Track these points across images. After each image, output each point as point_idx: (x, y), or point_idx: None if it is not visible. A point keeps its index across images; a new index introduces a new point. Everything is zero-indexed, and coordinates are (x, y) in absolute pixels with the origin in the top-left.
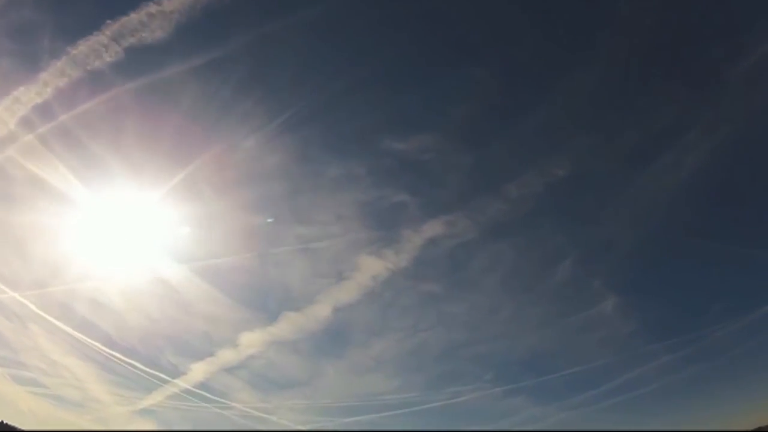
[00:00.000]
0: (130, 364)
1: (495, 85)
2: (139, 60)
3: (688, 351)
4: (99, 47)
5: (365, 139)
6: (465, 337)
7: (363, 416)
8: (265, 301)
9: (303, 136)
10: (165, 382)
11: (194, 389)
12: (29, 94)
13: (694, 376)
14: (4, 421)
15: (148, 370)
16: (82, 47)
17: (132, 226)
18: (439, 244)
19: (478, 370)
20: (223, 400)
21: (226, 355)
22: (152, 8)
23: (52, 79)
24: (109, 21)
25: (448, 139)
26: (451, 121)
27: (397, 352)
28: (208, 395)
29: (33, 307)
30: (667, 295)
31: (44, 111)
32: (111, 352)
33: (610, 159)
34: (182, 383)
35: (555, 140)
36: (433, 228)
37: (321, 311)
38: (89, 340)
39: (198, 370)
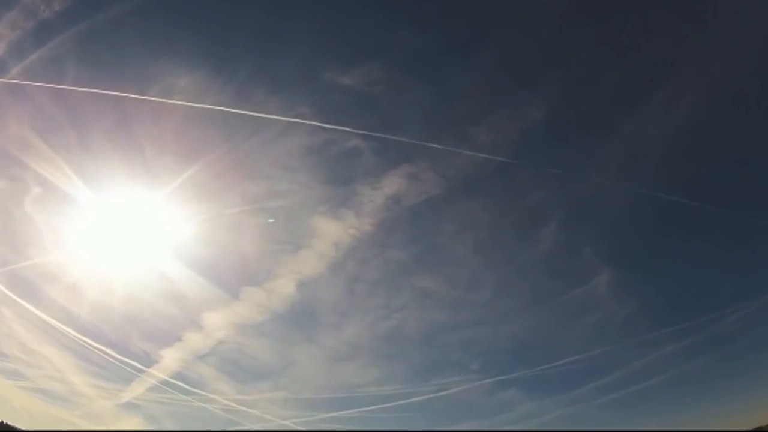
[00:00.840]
0: (102, 351)
1: (455, 4)
2: None
3: (691, 341)
4: None
5: (306, 73)
6: (444, 319)
7: (346, 411)
8: (222, 275)
9: (236, 74)
10: (140, 371)
11: (171, 380)
12: None
13: (697, 368)
14: (4, 421)
15: (121, 358)
16: None
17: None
18: (401, 202)
19: (463, 358)
20: (201, 392)
21: (195, 340)
22: None
23: None
24: None
25: (402, 69)
26: (403, 49)
27: (372, 337)
28: (186, 386)
29: (2, 288)
30: (669, 270)
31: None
32: (83, 338)
33: (593, 99)
34: (158, 373)
35: (528, 75)
36: (394, 182)
37: (283, 287)
38: (60, 324)
39: (169, 358)
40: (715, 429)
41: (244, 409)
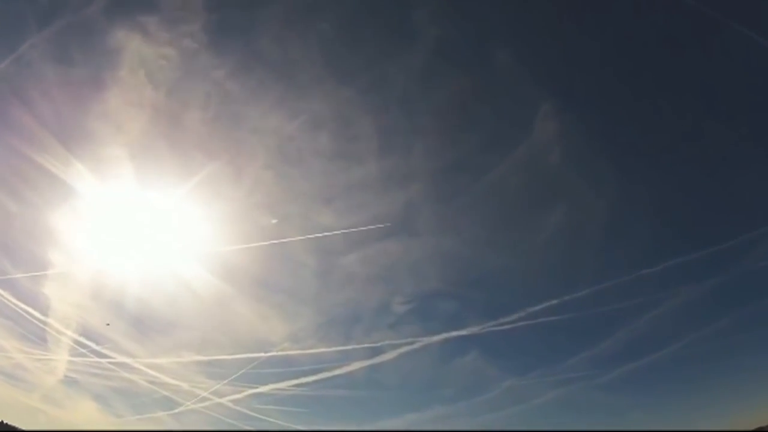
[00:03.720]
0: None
1: None
2: None
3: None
4: None
5: None
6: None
7: (270, 384)
8: None
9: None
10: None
11: (80, 338)
12: None
13: (696, 370)
14: (4, 421)
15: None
16: None
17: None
18: None
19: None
20: (114, 354)
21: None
22: None
23: None
24: None
25: None
26: None
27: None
28: (97, 347)
29: None
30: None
31: None
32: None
33: None
34: (60, 326)
35: None
36: None
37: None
38: None
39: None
40: (715, 429)
41: (167, 380)
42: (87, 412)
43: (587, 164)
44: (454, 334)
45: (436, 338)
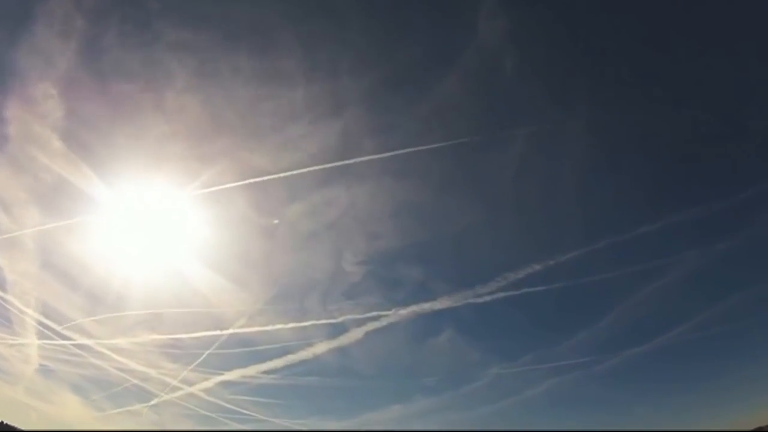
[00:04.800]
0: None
1: None
2: None
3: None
4: None
5: None
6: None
7: (236, 369)
8: None
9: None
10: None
11: (42, 318)
12: None
13: (695, 369)
14: (4, 421)
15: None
16: None
17: None
18: None
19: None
20: (75, 335)
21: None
22: None
23: None
24: None
25: None
26: None
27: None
28: (60, 328)
29: None
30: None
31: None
32: None
33: None
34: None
35: None
36: None
37: None
38: None
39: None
40: (715, 429)
41: (130, 363)
42: (72, 406)
43: (558, 75)
44: (425, 307)
45: (403, 312)
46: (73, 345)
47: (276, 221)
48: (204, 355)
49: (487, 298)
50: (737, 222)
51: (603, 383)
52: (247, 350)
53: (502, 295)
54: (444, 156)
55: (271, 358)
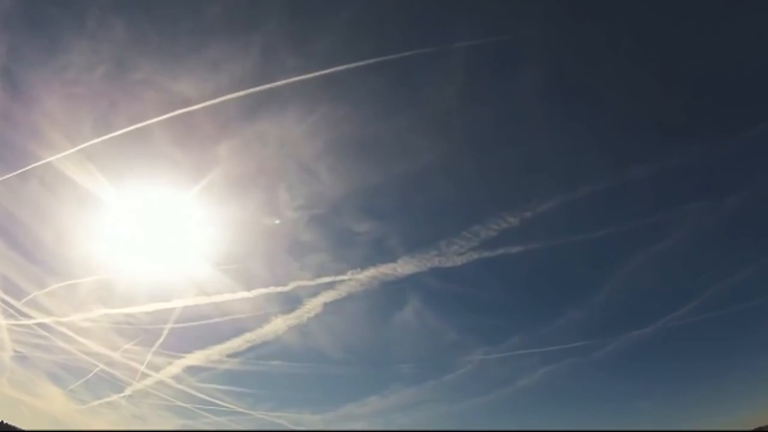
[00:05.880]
0: None
1: None
2: None
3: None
4: None
5: None
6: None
7: (196, 351)
8: None
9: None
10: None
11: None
12: None
13: (699, 359)
14: (4, 421)
15: None
16: None
17: None
18: None
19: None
20: (34, 313)
21: None
22: None
23: None
24: None
25: None
26: None
27: None
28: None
29: None
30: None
31: None
32: None
33: None
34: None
35: None
36: None
37: None
38: None
39: None
40: (715, 429)
41: (93, 345)
42: (55, 399)
43: None
44: (385, 271)
45: (360, 277)
46: (36, 324)
47: (278, 221)
48: (164, 334)
49: (457, 261)
50: (747, 167)
51: (602, 373)
52: (201, 324)
53: (474, 256)
54: (383, 74)
55: (228, 337)
